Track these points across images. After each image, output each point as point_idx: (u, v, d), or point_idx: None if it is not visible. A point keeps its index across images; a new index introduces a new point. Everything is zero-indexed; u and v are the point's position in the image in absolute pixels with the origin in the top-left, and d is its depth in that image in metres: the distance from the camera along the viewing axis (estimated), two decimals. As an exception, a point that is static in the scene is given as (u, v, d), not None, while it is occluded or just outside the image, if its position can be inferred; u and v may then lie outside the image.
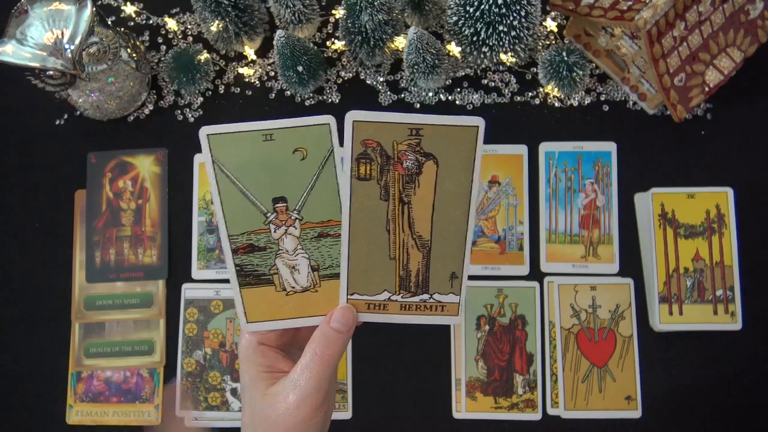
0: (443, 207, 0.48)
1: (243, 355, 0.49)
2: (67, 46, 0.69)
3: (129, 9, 0.85)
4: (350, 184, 0.47)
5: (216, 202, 0.48)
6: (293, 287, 0.50)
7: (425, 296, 0.49)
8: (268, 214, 0.49)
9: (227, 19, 0.77)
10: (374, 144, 0.47)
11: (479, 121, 0.47)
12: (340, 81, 0.82)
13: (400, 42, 0.78)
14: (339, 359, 0.48)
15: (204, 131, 0.47)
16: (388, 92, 0.82)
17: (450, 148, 0.47)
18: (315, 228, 0.49)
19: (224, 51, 0.84)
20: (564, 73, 0.75)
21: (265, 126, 0.47)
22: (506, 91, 0.81)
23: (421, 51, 0.74)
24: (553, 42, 0.82)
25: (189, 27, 0.85)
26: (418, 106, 0.81)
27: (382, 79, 0.82)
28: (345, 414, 0.76)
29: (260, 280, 0.49)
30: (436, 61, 0.75)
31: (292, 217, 0.49)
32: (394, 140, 0.47)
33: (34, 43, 0.69)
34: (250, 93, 0.83)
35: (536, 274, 0.78)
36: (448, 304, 0.50)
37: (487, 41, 0.75)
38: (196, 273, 0.79)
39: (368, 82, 0.82)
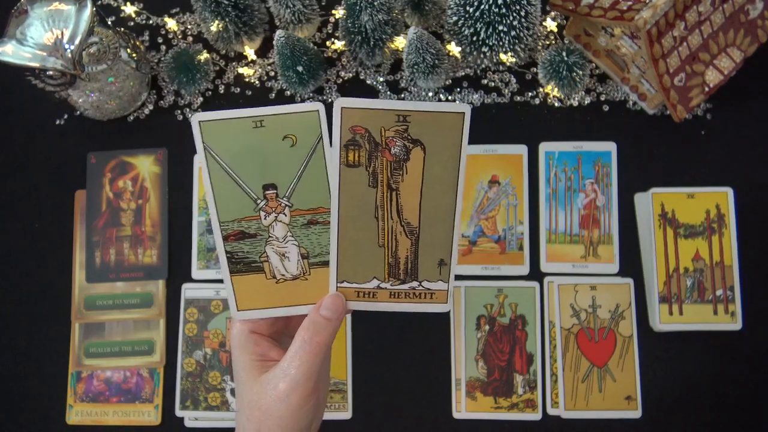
0: (431, 194, 0.48)
1: (235, 343, 0.49)
2: (67, 46, 0.69)
3: (129, 9, 0.85)
4: (339, 170, 0.47)
5: (207, 188, 0.48)
6: (283, 275, 0.49)
7: (414, 284, 0.49)
8: (258, 201, 0.49)
9: (227, 19, 0.77)
10: (362, 130, 0.47)
11: (465, 108, 0.47)
12: (340, 81, 0.82)
13: (400, 42, 0.78)
14: (328, 347, 0.47)
15: (195, 118, 0.48)
16: (388, 92, 0.82)
17: (437, 134, 0.47)
18: (305, 215, 0.49)
19: (224, 51, 0.84)
20: (564, 73, 0.75)
21: (256, 113, 0.47)
22: (506, 91, 0.81)
23: (421, 51, 0.74)
24: (553, 42, 0.82)
25: (189, 27, 0.85)
26: (418, 106, 0.81)
27: (382, 79, 0.82)
28: (345, 414, 0.76)
29: (250, 268, 0.49)
30: (436, 61, 0.75)
31: (282, 204, 0.49)
32: (381, 126, 0.47)
33: (34, 43, 0.69)
34: (250, 93, 0.83)
35: (536, 274, 0.78)
36: (437, 291, 0.49)
37: (487, 41, 0.75)
38: (196, 273, 0.79)
39: (368, 82, 0.82)
